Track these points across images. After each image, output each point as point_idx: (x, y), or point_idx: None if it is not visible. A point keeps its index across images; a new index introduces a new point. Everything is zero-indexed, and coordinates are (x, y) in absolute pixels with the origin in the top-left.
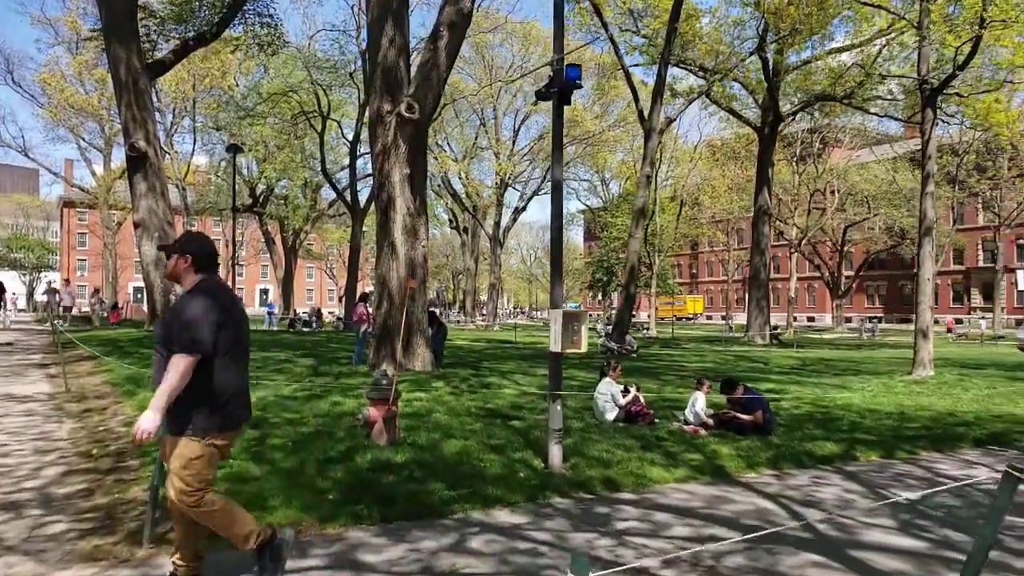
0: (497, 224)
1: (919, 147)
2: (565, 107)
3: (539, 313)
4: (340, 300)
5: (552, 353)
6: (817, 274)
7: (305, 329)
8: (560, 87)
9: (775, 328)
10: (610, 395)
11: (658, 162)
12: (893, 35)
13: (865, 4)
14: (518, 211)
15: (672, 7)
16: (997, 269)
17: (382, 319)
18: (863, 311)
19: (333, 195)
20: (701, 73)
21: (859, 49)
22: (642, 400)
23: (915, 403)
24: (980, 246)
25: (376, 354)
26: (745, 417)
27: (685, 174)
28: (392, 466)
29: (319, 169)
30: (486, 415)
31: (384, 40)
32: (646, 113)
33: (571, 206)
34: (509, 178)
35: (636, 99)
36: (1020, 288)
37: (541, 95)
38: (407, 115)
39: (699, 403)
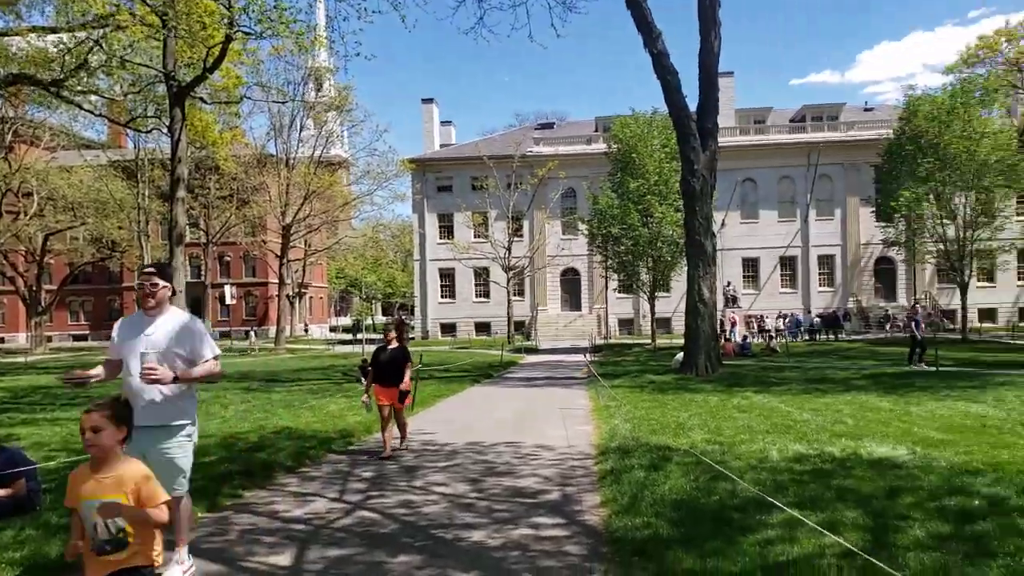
0: None
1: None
2: None
3: None
4: None
5: None
6: (10, 288)
7: None
8: None
9: None
10: None
11: None
12: (115, 26)
13: None
14: None
15: None
16: (205, 284)
17: None
18: (67, 329)
19: None
20: None
21: (72, 33)
22: None
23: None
24: (188, 262)
25: None
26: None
27: None
28: None
29: None
30: None
31: None
32: None
33: None
34: None
35: None
36: (227, 302)
37: None
38: None
39: None
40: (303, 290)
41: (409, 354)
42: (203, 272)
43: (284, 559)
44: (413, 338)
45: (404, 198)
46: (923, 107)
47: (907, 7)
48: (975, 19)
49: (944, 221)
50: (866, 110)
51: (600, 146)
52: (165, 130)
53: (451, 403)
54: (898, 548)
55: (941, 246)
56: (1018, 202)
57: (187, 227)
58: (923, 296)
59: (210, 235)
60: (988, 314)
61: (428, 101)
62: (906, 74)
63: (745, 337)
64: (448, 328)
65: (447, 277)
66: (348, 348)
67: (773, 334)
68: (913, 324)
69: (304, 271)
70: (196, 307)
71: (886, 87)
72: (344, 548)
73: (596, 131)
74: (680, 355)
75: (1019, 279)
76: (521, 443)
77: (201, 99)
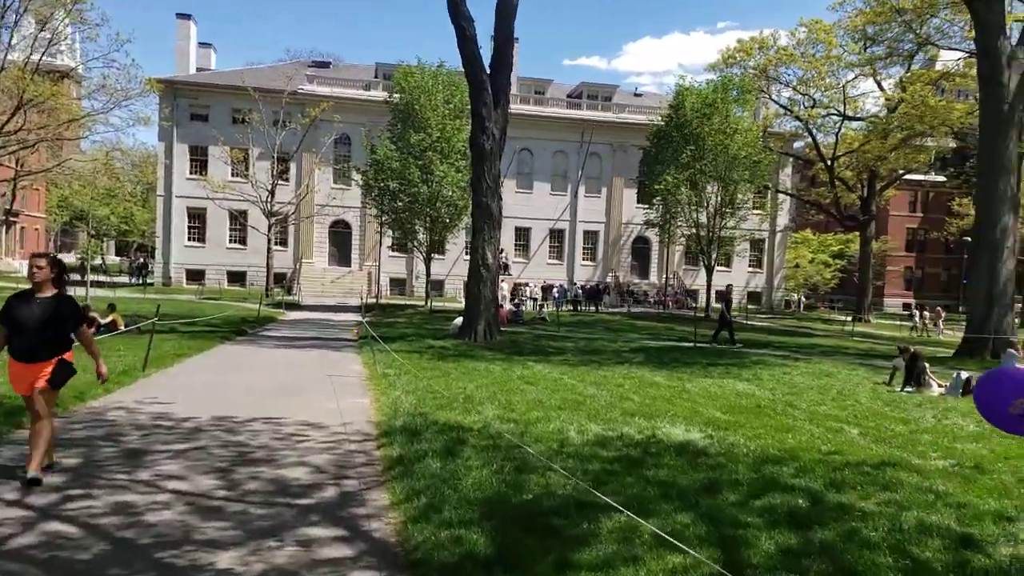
0: None
1: None
2: None
3: None
4: None
5: None
6: None
7: None
8: None
9: None
10: None
11: None
12: None
13: None
14: None
15: None
16: None
17: None
18: None
19: None
20: None
21: None
22: None
23: None
24: None
25: None
26: None
27: None
28: None
29: None
30: None
31: None
32: None
33: None
34: None
35: None
36: None
37: None
38: None
39: None
40: (13, 219)
41: (78, 308)
42: None
43: None
44: (152, 284)
45: (149, 122)
46: (689, 98)
47: (668, 9)
48: (722, 30)
49: (698, 208)
50: (636, 95)
51: (379, 93)
52: None
53: (195, 364)
54: (757, 570)
55: (693, 230)
56: (756, 196)
57: None
58: (672, 276)
59: None
60: None
61: (184, 17)
62: (663, 70)
63: (518, 304)
64: (195, 275)
65: (197, 217)
66: (69, 290)
67: (542, 303)
68: (724, 305)
69: (14, 196)
70: None
71: (646, 79)
72: None
73: (376, 77)
74: (459, 320)
75: (749, 265)
76: (284, 419)
77: None
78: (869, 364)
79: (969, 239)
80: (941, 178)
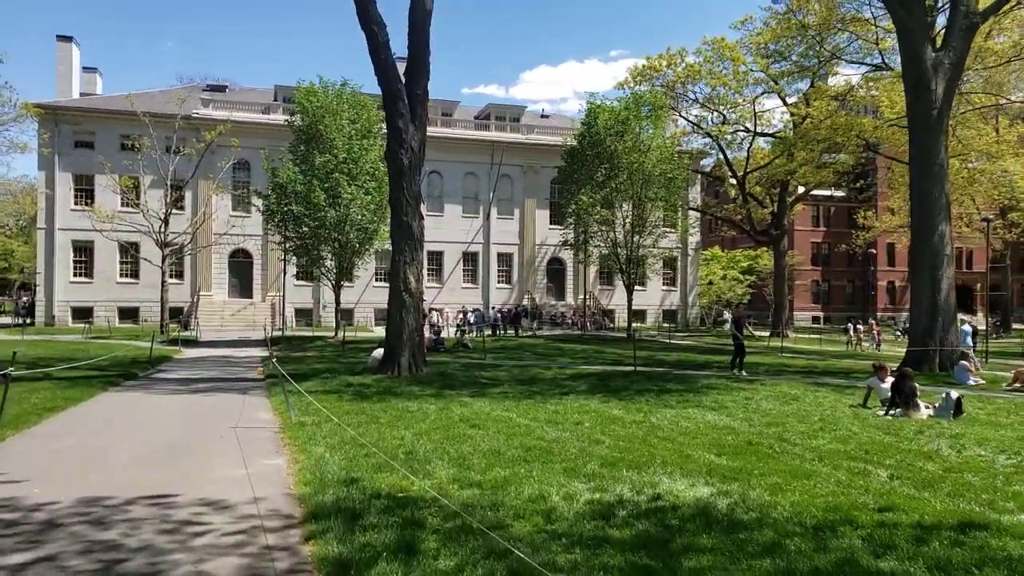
0: None
1: None
2: None
3: None
4: None
5: None
6: None
7: None
8: None
9: None
10: None
11: None
12: None
13: None
14: None
15: None
16: None
17: None
18: None
19: None
20: None
21: None
22: None
23: None
24: None
25: None
26: None
27: None
28: None
29: None
30: None
31: None
32: None
33: None
34: None
35: None
36: None
37: None
38: None
39: None
40: None
41: None
42: None
43: None
44: (32, 323)
45: (26, 150)
46: (602, 115)
47: (563, 38)
48: (615, 58)
49: (615, 227)
50: (543, 117)
51: (279, 116)
52: None
53: (67, 421)
54: None
55: (610, 250)
56: (668, 213)
57: None
58: (588, 296)
59: None
60: (639, 315)
61: (66, 39)
62: (560, 97)
63: (438, 331)
64: (83, 313)
65: (84, 251)
66: None
67: (464, 328)
68: (735, 327)
69: None
70: None
71: (545, 106)
72: None
73: (276, 100)
74: (379, 351)
75: (664, 284)
76: (176, 498)
77: None
78: (824, 383)
79: (873, 251)
80: (840, 193)
